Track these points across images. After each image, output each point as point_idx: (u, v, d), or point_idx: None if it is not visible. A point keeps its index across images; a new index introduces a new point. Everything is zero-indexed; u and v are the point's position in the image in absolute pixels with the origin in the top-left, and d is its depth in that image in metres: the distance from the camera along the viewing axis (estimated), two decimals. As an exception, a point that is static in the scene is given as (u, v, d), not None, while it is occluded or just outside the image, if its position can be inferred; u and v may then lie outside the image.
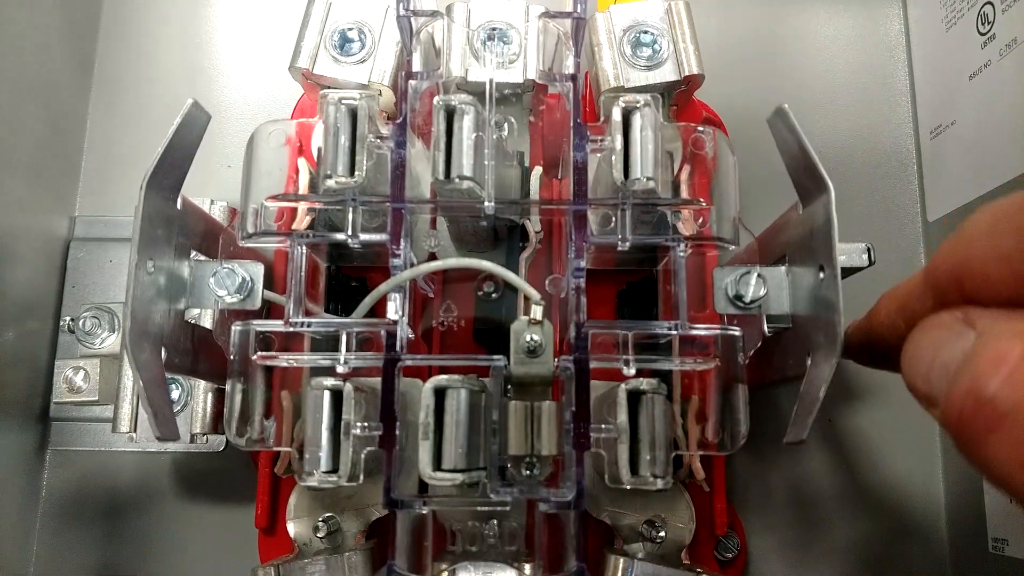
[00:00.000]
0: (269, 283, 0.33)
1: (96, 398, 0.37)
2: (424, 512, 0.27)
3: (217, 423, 0.37)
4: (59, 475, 0.40)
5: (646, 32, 0.34)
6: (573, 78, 0.29)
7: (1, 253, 0.37)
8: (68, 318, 0.40)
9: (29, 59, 0.39)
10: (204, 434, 0.36)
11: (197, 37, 0.46)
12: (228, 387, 0.28)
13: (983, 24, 0.39)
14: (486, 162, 0.28)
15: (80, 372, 0.37)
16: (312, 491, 0.33)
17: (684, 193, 0.32)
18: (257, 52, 0.46)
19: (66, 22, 0.42)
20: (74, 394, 0.37)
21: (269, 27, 0.46)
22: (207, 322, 0.36)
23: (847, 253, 0.30)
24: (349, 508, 0.34)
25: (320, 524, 0.33)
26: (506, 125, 0.31)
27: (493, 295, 0.32)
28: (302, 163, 0.33)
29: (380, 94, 0.33)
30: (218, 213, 0.39)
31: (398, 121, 0.28)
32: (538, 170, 0.34)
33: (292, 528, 0.34)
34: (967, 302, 0.20)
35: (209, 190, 0.39)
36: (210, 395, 0.37)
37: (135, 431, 0.36)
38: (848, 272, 0.30)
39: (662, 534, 0.32)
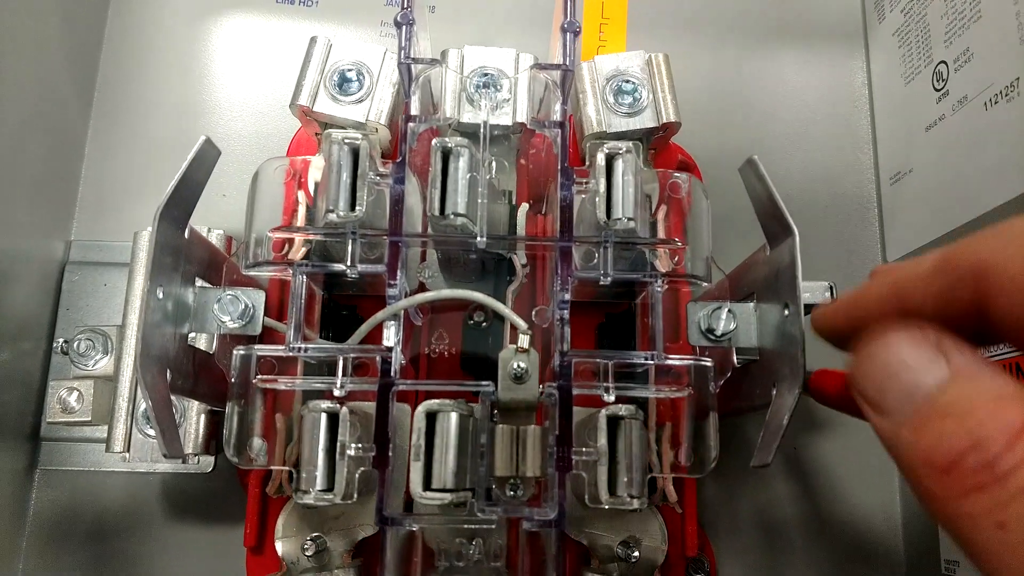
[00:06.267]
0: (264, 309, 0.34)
1: (89, 418, 0.38)
2: (414, 529, 0.29)
3: (209, 444, 0.38)
4: (47, 495, 0.41)
5: (627, 81, 0.36)
6: (561, 125, 0.32)
7: (-2, 274, 0.38)
8: (62, 340, 0.41)
9: (32, 86, 0.40)
10: (196, 455, 0.37)
11: (195, 70, 0.47)
12: (228, 409, 0.30)
13: (938, 81, 0.42)
14: (479, 200, 0.30)
15: (74, 393, 0.38)
16: (300, 512, 0.35)
17: (660, 232, 0.34)
18: (252, 86, 0.47)
19: (68, 52, 0.44)
20: (67, 414, 0.38)
21: (265, 62, 0.48)
22: (201, 345, 0.38)
23: (811, 291, 0.33)
24: (336, 528, 0.35)
25: (308, 543, 0.34)
26: (495, 164, 0.33)
27: (483, 324, 0.34)
28: (300, 195, 0.34)
29: (377, 131, 0.35)
30: (215, 241, 0.40)
31: (398, 160, 0.30)
32: (524, 207, 0.36)
33: (281, 547, 0.35)
34: (978, 303, 0.19)
35: (206, 218, 0.41)
36: (203, 417, 0.38)
37: (128, 451, 0.37)
38: (811, 309, 0.32)
39: (636, 554, 0.34)
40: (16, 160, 0.39)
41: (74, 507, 0.41)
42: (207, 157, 0.29)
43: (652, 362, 0.30)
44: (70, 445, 0.41)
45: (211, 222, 0.41)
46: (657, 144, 0.38)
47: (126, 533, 0.41)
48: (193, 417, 0.38)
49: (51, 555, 0.40)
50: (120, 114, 0.46)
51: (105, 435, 0.38)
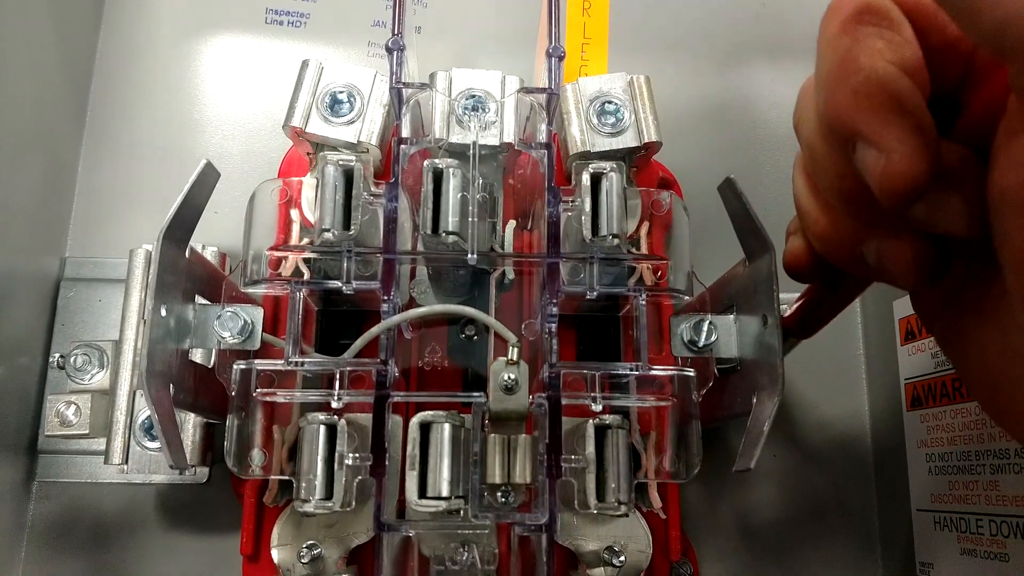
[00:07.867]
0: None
1: (87, 431, 0.38)
2: (410, 535, 0.30)
3: (205, 455, 0.39)
4: (45, 506, 0.42)
5: (610, 102, 0.37)
6: (547, 146, 0.33)
7: (-5, 291, 0.39)
8: (58, 354, 0.41)
9: (27, 105, 0.41)
10: (193, 466, 0.38)
11: (186, 88, 0.48)
12: (228, 421, 0.31)
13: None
14: (470, 219, 0.31)
15: (72, 407, 0.38)
16: (295, 520, 0.36)
17: (643, 247, 0.35)
18: (243, 104, 0.48)
19: (62, 71, 0.45)
20: (65, 428, 0.38)
21: (255, 81, 0.49)
22: (197, 359, 0.39)
23: (787, 303, 0.34)
24: (331, 536, 0.36)
25: (304, 551, 0.35)
26: (483, 183, 0.34)
27: (474, 337, 0.35)
28: (294, 214, 0.35)
29: (368, 151, 0.37)
30: (210, 257, 0.41)
31: (390, 181, 0.31)
32: (512, 224, 0.37)
33: (276, 555, 0.36)
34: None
35: (198, 235, 0.42)
36: (199, 429, 0.39)
37: (126, 463, 0.38)
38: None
39: (622, 559, 0.35)
40: (11, 178, 0.40)
41: (72, 518, 0.42)
42: (208, 180, 0.30)
43: (637, 372, 0.31)
44: (67, 457, 0.42)
45: (203, 238, 0.42)
46: (639, 162, 0.39)
47: (123, 543, 0.42)
48: (190, 429, 0.39)
49: (49, 566, 0.41)
50: (112, 131, 0.47)
51: (101, 447, 0.39)
